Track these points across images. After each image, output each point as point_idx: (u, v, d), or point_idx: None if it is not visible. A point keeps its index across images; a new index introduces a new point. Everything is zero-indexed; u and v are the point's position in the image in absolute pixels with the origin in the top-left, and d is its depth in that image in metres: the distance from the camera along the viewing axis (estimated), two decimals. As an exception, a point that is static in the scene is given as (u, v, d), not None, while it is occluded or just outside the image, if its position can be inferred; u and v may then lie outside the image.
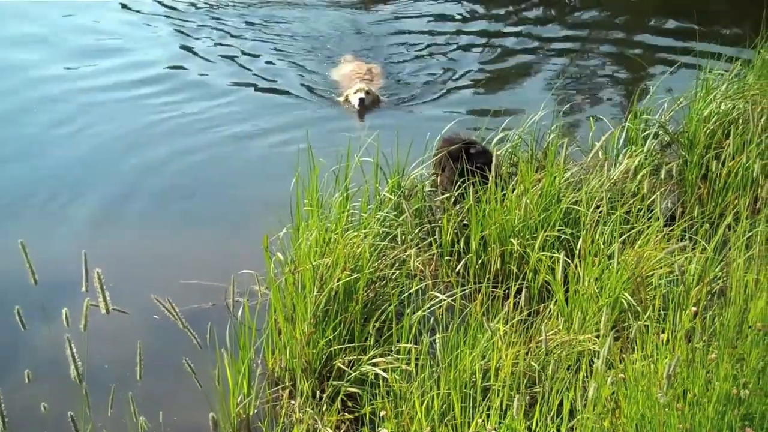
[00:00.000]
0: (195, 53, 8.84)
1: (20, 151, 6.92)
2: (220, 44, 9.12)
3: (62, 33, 9.35)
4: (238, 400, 4.07)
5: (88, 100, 7.78)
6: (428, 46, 9.26)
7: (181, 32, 9.32)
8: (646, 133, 6.09)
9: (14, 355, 3.87)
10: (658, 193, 4.98)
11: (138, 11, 9.88)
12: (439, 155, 5.56)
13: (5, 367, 2.97)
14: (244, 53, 8.84)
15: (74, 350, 2.77)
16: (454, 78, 8.46)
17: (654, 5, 10.43)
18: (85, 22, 9.59)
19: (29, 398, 3.18)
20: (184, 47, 8.97)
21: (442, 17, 10.05)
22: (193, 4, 10.03)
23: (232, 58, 8.74)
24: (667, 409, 3.28)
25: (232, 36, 9.25)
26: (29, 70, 8.36)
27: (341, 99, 7.62)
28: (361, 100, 7.25)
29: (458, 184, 5.23)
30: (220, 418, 3.65)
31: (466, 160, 5.27)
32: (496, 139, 6.01)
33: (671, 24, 9.86)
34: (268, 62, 8.67)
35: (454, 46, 9.26)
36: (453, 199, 5.18)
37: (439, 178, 5.51)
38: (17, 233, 3.03)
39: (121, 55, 8.82)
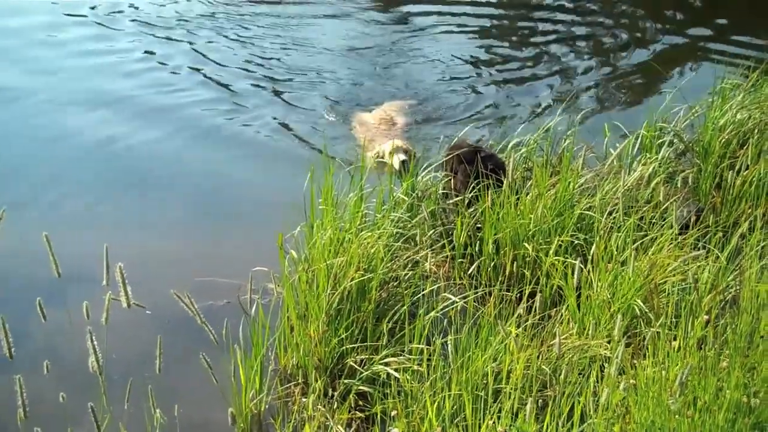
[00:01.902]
0: (208, 55, 8.88)
1: (42, 143, 7.00)
2: (236, 44, 9.16)
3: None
4: (251, 396, 4.10)
5: (113, 96, 7.86)
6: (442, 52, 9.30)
7: (196, 34, 9.34)
8: (661, 141, 6.11)
9: (34, 345, 3.93)
10: (672, 200, 5.01)
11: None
12: (450, 159, 5.59)
13: (25, 358, 3.01)
14: (264, 57, 8.88)
15: (95, 342, 2.81)
16: (471, 84, 8.48)
17: (673, 8, 10.43)
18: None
19: (48, 388, 3.22)
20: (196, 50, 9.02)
21: (457, 24, 10.06)
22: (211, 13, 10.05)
23: (249, 61, 8.77)
24: (677, 416, 3.31)
25: (249, 42, 9.26)
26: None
27: (372, 154, 6.79)
28: (403, 163, 6.44)
29: (471, 186, 5.25)
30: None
31: (479, 164, 5.30)
32: (511, 144, 6.03)
33: (691, 31, 9.84)
34: (287, 69, 8.67)
35: (469, 54, 9.27)
36: (467, 202, 5.21)
37: (452, 181, 5.54)
38: (39, 226, 3.05)
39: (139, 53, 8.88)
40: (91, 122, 7.37)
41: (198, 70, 8.48)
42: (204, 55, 8.78)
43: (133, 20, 9.52)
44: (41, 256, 2.97)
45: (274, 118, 7.59)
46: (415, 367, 3.96)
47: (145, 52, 8.86)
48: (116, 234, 5.54)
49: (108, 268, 2.90)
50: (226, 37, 9.28)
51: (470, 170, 5.35)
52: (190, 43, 9.08)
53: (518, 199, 5.11)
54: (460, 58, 9.04)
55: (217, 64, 8.64)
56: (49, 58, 8.58)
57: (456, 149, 5.63)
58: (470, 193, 5.23)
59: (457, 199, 5.29)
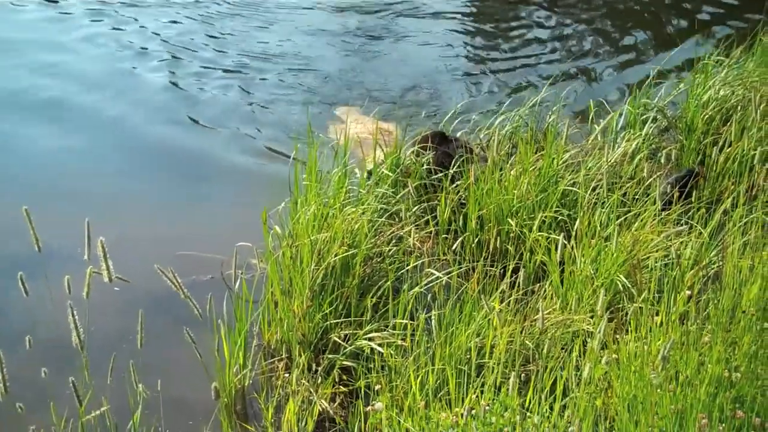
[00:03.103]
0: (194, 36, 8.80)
1: (25, 120, 6.94)
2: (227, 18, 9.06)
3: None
4: (234, 371, 4.10)
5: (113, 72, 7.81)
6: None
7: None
8: (645, 117, 6.12)
9: (16, 320, 3.90)
10: (655, 176, 5.02)
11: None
12: (420, 145, 5.56)
13: (7, 333, 2.99)
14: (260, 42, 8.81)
15: (76, 317, 2.79)
16: (454, 59, 8.44)
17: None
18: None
19: (30, 364, 3.20)
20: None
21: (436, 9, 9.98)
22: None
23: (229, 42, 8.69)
24: (659, 390, 3.33)
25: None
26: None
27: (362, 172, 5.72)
28: (369, 172, 5.65)
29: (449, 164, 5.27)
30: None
31: (447, 146, 5.36)
32: (498, 121, 6.02)
33: (676, 7, 9.83)
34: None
35: (458, 28, 9.22)
36: (450, 178, 5.20)
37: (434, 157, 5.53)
38: (19, 202, 3.02)
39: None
40: (74, 101, 7.32)
41: (180, 50, 8.43)
42: (190, 37, 8.72)
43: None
44: (21, 232, 2.94)
45: (258, 97, 7.55)
46: (399, 342, 3.97)
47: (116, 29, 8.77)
48: (98, 210, 5.49)
49: (89, 243, 2.87)
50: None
51: (444, 150, 5.40)
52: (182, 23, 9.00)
53: (502, 174, 5.10)
54: (446, 43, 8.99)
55: (203, 44, 8.59)
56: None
57: (424, 139, 5.60)
58: (452, 169, 5.23)
59: (440, 175, 5.27)
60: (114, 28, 8.77)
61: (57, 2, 9.36)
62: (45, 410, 3.37)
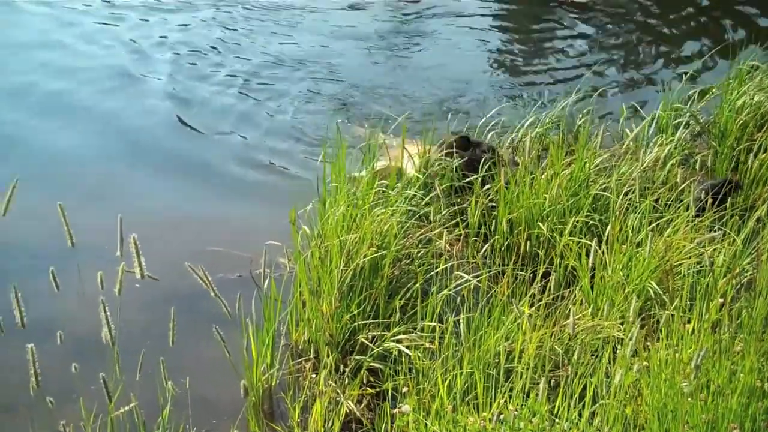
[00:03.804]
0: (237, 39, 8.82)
1: (65, 113, 7.01)
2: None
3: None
4: (262, 370, 4.10)
5: (125, 71, 7.85)
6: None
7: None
8: (677, 122, 6.06)
9: (47, 315, 3.92)
10: (688, 181, 4.97)
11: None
12: (444, 152, 5.52)
13: (38, 328, 3.00)
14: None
15: (108, 313, 2.81)
16: (487, 61, 8.40)
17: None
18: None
19: (61, 359, 3.22)
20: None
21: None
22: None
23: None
24: (690, 399, 3.29)
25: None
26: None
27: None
28: None
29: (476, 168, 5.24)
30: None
31: (471, 151, 5.34)
32: (527, 123, 5.99)
33: (709, 12, 9.73)
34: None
35: (489, 28, 9.18)
36: (480, 181, 5.17)
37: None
38: (53, 198, 3.04)
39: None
40: (104, 95, 7.39)
41: (224, 50, 8.47)
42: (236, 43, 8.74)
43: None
44: (54, 227, 2.96)
45: (292, 98, 7.56)
46: (427, 345, 3.95)
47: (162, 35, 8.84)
48: (128, 206, 5.51)
49: (122, 239, 2.88)
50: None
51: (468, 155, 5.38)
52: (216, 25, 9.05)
53: (533, 178, 5.08)
54: (475, 47, 8.95)
55: (236, 44, 8.63)
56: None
57: (447, 144, 5.56)
58: (481, 174, 5.20)
59: (471, 178, 5.23)
60: (141, 34, 8.80)
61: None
62: (74, 405, 3.40)
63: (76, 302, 3.38)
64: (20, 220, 3.50)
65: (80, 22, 8.87)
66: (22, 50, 8.21)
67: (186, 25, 8.99)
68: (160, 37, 8.65)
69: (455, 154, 5.37)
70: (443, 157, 5.38)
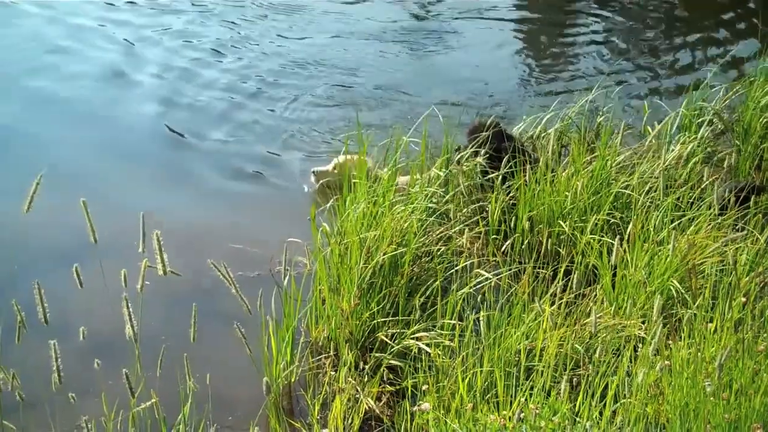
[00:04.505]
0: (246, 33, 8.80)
1: (90, 112, 7.05)
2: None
3: None
4: (281, 367, 4.11)
5: (146, 70, 7.89)
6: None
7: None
8: (701, 120, 6.00)
9: (70, 311, 3.95)
10: (711, 180, 4.93)
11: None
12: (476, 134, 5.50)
13: (61, 324, 3.02)
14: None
15: (130, 309, 2.82)
16: (506, 57, 8.36)
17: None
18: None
19: (83, 355, 3.24)
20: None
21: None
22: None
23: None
24: (712, 399, 3.26)
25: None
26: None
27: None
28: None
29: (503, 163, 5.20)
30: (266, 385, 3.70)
31: (503, 140, 5.29)
32: (546, 119, 5.96)
33: (734, 9, 9.63)
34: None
35: (508, 24, 9.14)
36: (501, 178, 5.15)
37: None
38: (75, 194, 3.05)
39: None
40: (128, 94, 7.42)
41: (242, 48, 8.49)
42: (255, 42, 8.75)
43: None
44: (77, 223, 2.97)
45: (312, 95, 7.56)
46: (447, 343, 3.95)
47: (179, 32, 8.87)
48: (148, 203, 5.55)
49: (144, 236, 2.89)
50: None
51: (502, 147, 5.33)
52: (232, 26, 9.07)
53: (554, 176, 5.05)
54: (496, 45, 8.91)
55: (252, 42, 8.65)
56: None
57: (479, 128, 5.54)
58: (505, 169, 5.17)
59: (493, 175, 5.21)
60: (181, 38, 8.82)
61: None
62: (96, 401, 3.42)
63: (97, 299, 3.40)
64: (42, 216, 3.51)
65: (83, 24, 8.91)
66: (22, 50, 8.21)
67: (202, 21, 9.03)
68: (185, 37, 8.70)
69: (486, 138, 5.34)
70: (473, 137, 5.38)
